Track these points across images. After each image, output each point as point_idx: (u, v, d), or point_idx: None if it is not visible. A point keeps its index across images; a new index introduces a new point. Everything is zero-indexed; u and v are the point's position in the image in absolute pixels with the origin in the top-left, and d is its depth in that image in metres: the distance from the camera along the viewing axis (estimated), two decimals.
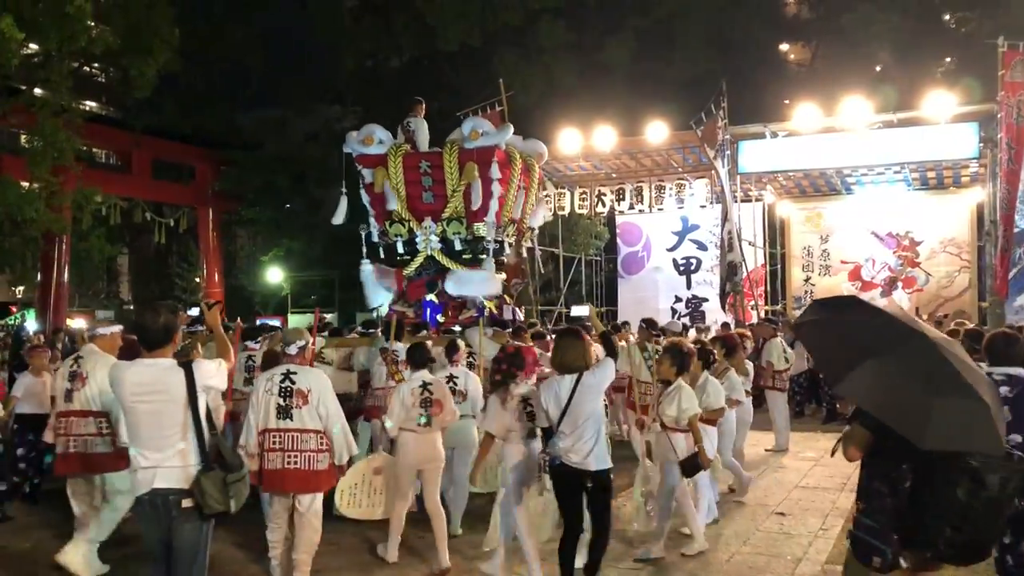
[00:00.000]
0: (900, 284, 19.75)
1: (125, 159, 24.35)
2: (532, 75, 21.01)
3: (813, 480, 8.67)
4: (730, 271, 16.46)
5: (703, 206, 19.26)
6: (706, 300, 20.90)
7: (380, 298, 10.98)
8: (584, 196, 19.97)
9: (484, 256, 10.49)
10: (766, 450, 10.45)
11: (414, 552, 6.36)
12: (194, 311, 8.48)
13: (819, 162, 17.30)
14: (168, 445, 3.96)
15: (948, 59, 21.52)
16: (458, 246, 10.44)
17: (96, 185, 18.31)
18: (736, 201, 16.89)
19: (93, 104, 26.69)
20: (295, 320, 24.75)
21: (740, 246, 16.83)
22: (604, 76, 22.50)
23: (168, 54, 18.02)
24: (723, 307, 16.81)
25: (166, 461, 3.95)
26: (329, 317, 23.57)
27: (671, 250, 21.62)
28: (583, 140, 17.73)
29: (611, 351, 5.34)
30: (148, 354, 4.09)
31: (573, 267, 21.59)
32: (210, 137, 26.60)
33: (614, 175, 20.24)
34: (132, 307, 31.85)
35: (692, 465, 5.99)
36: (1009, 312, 15.01)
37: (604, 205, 20.37)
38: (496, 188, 10.27)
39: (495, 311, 10.45)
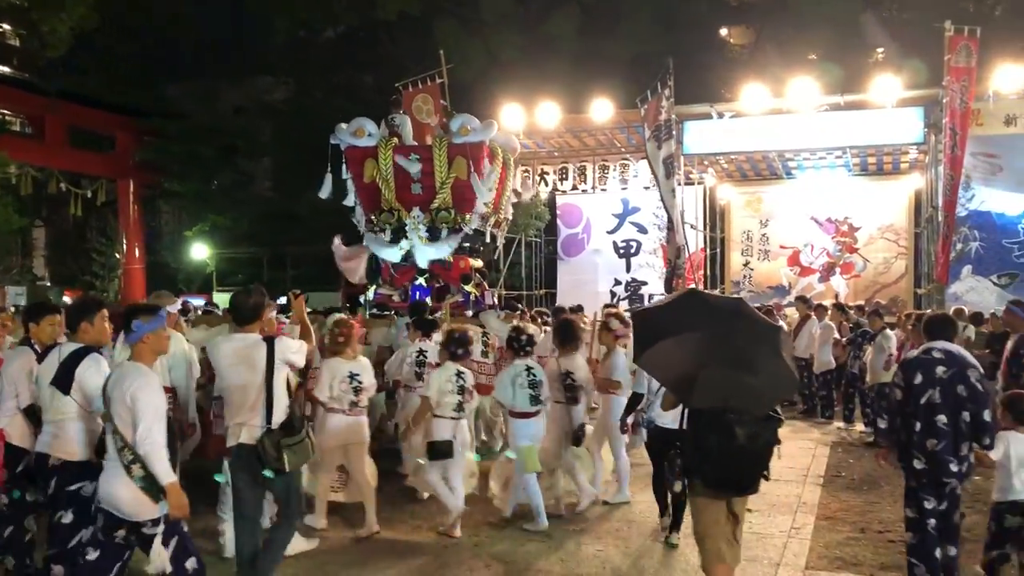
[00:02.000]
0: (838, 270, 19.77)
1: (38, 125, 22.90)
2: (473, 47, 20.30)
3: (773, 472, 8.25)
4: (676, 254, 16.20)
5: (647, 187, 18.94)
6: (645, 283, 20.66)
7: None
8: (526, 174, 19.44)
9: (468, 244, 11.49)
10: None
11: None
12: (282, 300, 9.06)
13: (764, 144, 17.10)
14: (250, 407, 4.67)
15: (892, 43, 21.53)
16: (445, 235, 11.19)
17: (3, 151, 17.08)
18: (680, 184, 16.61)
19: (4, 69, 25.01)
20: (220, 298, 23.71)
21: (684, 228, 16.59)
22: (548, 51, 21.91)
23: (83, 10, 16.76)
24: (668, 291, 16.50)
25: (248, 420, 4.67)
26: None
27: (611, 232, 21.29)
28: (526, 117, 17.19)
29: None
30: (239, 329, 4.83)
31: (513, 248, 21.07)
32: (133, 105, 25.23)
33: (556, 154, 19.79)
34: (48, 283, 30.23)
35: None
36: (948, 299, 15.02)
37: (547, 184, 19.91)
38: (483, 181, 11.11)
39: (479, 296, 11.26)
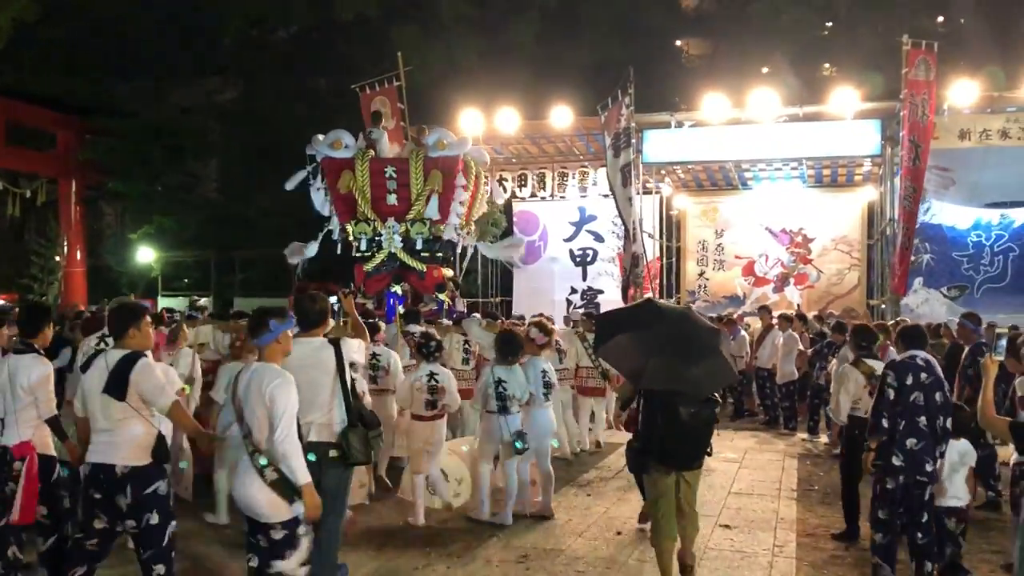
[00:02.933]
0: (792, 280, 19.89)
1: None
2: (432, 51, 19.99)
3: (745, 485, 8.21)
4: (632, 262, 16.13)
5: (606, 195, 18.85)
6: (602, 292, 20.56)
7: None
8: (484, 181, 19.18)
9: (441, 254, 11.91)
10: None
11: None
12: (332, 299, 8.91)
13: (722, 153, 17.11)
14: (320, 407, 4.78)
15: (846, 57, 21.80)
16: (419, 245, 11.61)
17: None
18: (638, 192, 16.55)
19: None
20: (165, 303, 23.00)
21: (642, 237, 16.52)
22: (507, 56, 21.71)
23: (24, 1, 16.04)
24: (624, 299, 16.40)
25: (318, 419, 4.78)
26: (203, 301, 21.99)
27: (568, 240, 21.17)
28: (485, 122, 16.98)
29: None
30: (304, 334, 4.90)
31: (468, 255, 20.78)
32: (76, 103, 24.35)
33: (515, 160, 19.60)
34: None
35: None
36: (903, 311, 15.15)
37: (505, 191, 19.71)
38: (458, 194, 11.63)
39: (451, 303, 11.68)
